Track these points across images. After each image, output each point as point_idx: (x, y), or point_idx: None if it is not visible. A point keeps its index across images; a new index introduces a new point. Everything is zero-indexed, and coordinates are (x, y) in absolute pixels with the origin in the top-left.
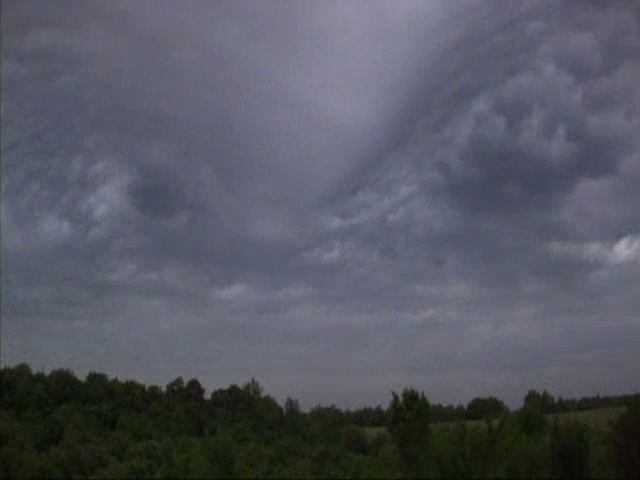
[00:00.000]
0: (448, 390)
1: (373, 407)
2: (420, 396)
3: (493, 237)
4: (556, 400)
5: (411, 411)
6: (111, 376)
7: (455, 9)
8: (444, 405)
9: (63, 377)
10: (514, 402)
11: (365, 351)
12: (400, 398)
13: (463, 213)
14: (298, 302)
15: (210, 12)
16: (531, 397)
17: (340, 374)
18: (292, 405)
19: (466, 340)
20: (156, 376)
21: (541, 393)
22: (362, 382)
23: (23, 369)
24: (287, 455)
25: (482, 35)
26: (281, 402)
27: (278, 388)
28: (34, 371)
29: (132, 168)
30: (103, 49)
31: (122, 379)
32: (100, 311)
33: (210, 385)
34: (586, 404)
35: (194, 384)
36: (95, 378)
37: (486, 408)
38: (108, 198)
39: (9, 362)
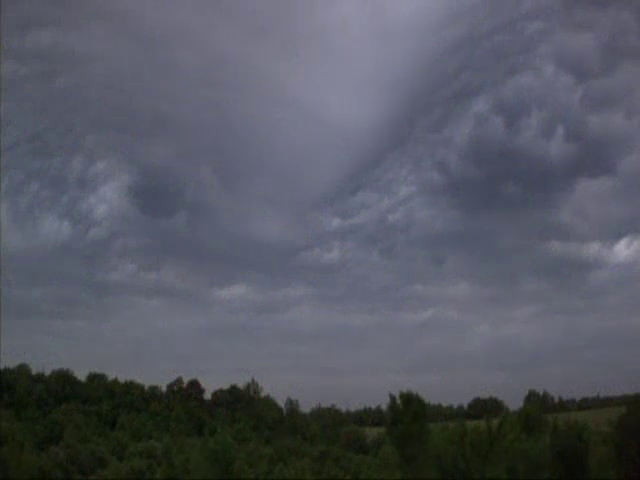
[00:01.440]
0: (448, 390)
1: (373, 407)
2: (417, 397)
3: (493, 237)
4: (556, 400)
5: (408, 413)
6: (111, 376)
7: (455, 9)
8: (444, 405)
9: (63, 377)
10: (514, 402)
11: (365, 351)
12: (397, 400)
13: (463, 213)
14: (298, 302)
15: (210, 12)
16: (531, 397)
17: (340, 374)
18: (292, 405)
19: (466, 340)
20: (156, 376)
21: (541, 393)
22: (362, 382)
23: (23, 369)
24: (287, 455)
25: (482, 35)
26: (281, 402)
27: (278, 388)
28: (34, 371)
29: (132, 168)
30: (103, 49)
31: (122, 379)
32: (100, 311)
33: (210, 385)
34: (586, 404)
35: (194, 384)
36: (95, 378)
37: (486, 408)
38: (108, 198)
39: (9, 362)
